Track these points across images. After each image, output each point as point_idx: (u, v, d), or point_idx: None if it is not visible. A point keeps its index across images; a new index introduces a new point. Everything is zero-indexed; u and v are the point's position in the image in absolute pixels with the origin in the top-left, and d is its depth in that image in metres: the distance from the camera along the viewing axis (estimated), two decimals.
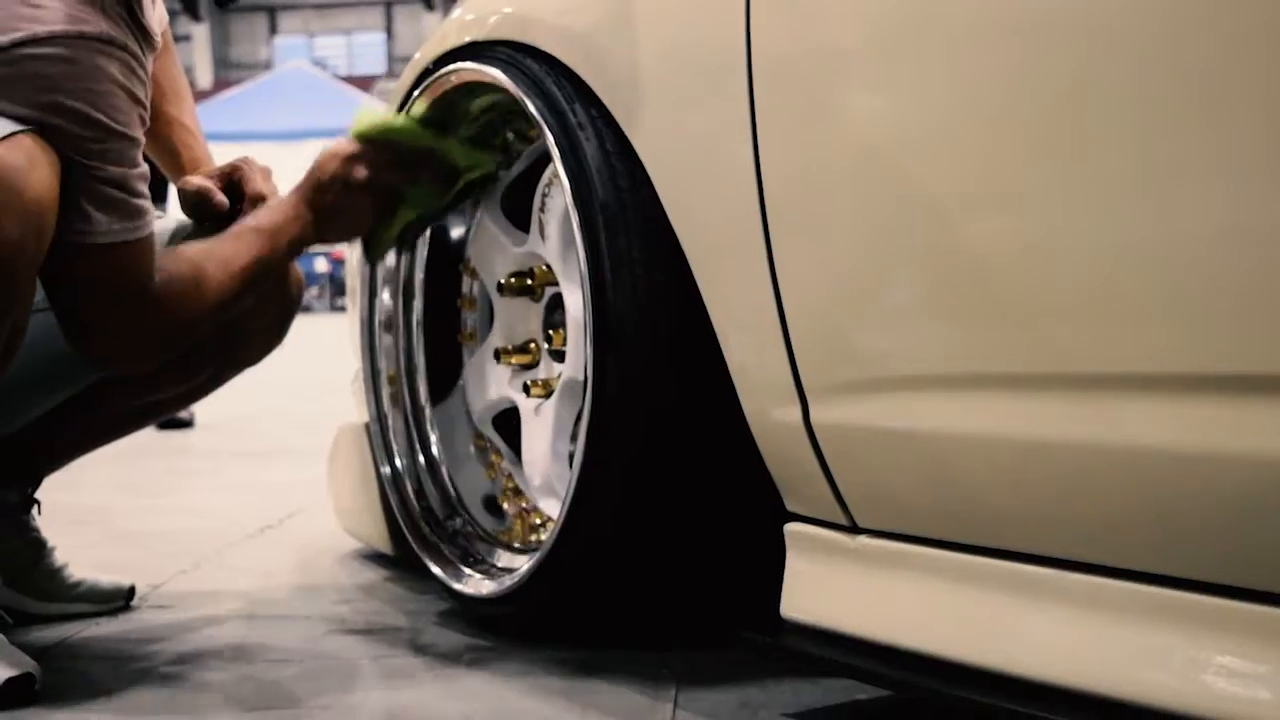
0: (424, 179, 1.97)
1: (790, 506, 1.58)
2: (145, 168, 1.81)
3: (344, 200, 1.96)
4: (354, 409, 2.47)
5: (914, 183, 1.35)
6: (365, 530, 2.42)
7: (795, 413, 1.50)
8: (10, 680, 1.67)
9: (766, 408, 1.55)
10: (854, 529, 1.50)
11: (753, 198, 1.49)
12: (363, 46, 36.19)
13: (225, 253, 1.89)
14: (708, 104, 1.56)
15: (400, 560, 2.34)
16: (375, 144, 1.95)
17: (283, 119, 17.90)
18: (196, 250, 1.89)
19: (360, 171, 1.95)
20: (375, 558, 2.48)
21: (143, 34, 1.84)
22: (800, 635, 1.54)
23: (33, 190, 1.66)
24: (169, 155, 2.13)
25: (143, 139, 1.80)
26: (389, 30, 35.60)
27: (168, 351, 1.92)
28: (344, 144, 1.97)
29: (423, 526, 2.08)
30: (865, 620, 1.47)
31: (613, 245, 1.67)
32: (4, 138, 1.66)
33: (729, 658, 1.78)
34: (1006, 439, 1.30)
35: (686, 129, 1.61)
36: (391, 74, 33.44)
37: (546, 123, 1.76)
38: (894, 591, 1.45)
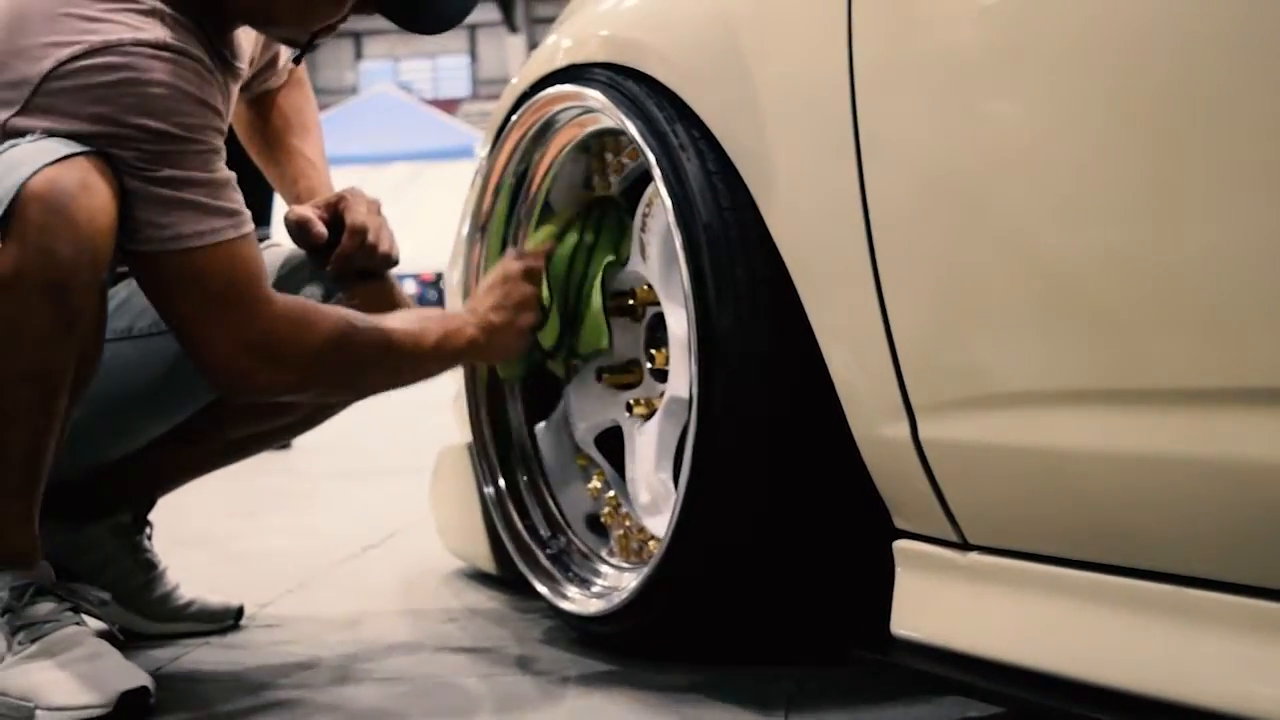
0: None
1: (899, 523, 1.58)
2: (225, 174, 1.81)
3: (509, 334, 2.00)
4: (455, 430, 2.49)
5: (1019, 197, 1.35)
6: (468, 550, 2.44)
7: (903, 429, 1.50)
8: (126, 694, 1.70)
9: (874, 425, 1.55)
10: (964, 545, 1.49)
11: (857, 215, 1.49)
12: (447, 70, 36.44)
13: (379, 331, 1.89)
14: (811, 123, 1.56)
15: (504, 580, 2.36)
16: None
17: (370, 142, 18.05)
18: (344, 313, 1.88)
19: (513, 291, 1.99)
20: (478, 577, 2.50)
21: (216, 54, 1.85)
22: (911, 652, 1.54)
23: (85, 212, 1.67)
24: (288, 184, 2.17)
25: (215, 145, 1.79)
26: (473, 53, 35.80)
27: (283, 381, 1.87)
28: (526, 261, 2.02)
29: (528, 545, 2.09)
30: (977, 637, 1.46)
31: (716, 264, 1.68)
32: (59, 160, 1.68)
33: (837, 675, 1.77)
34: (1119, 454, 1.30)
35: (790, 148, 1.61)
36: (476, 97, 33.69)
37: (648, 144, 1.77)
38: (1006, 608, 1.45)
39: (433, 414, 3.88)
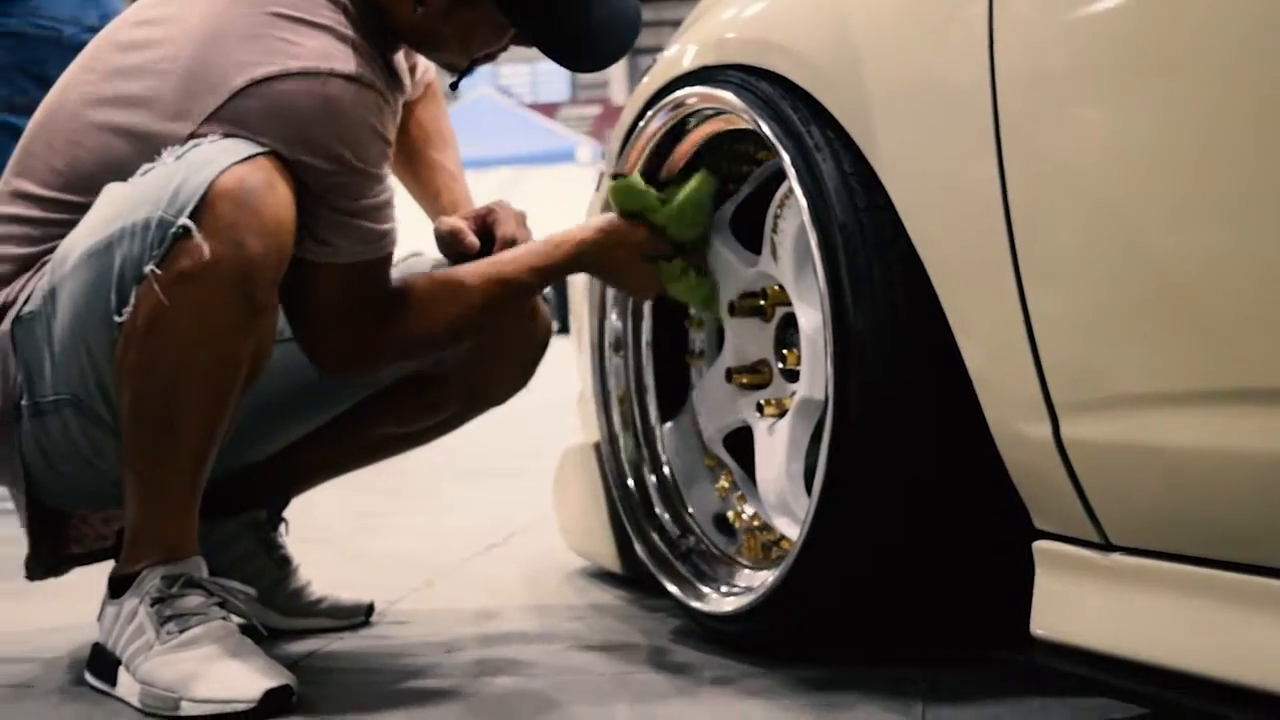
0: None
1: (1039, 524, 1.58)
2: (388, 195, 1.88)
3: (607, 259, 2.05)
4: (579, 429, 2.51)
5: (1163, 197, 1.34)
6: (593, 549, 2.46)
7: (1045, 429, 1.49)
8: (270, 692, 1.73)
9: (1014, 424, 1.55)
10: (1107, 546, 1.49)
11: (999, 214, 1.49)
12: (546, 74, 36.59)
13: (468, 290, 1.97)
14: (951, 123, 1.56)
15: (629, 579, 2.37)
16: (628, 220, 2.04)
17: (473, 147, 18.15)
18: (434, 278, 1.97)
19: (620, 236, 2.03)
20: (602, 576, 2.52)
21: (391, 76, 1.91)
22: (1051, 652, 1.53)
23: (271, 209, 1.74)
24: (430, 197, 2.21)
25: (386, 174, 1.87)
26: None
27: (388, 362, 2.02)
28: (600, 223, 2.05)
29: (657, 545, 2.11)
30: (1119, 637, 1.45)
31: (852, 264, 1.69)
32: (245, 159, 1.74)
33: (973, 675, 1.77)
34: (1264, 455, 1.29)
35: (929, 148, 1.61)
36: (574, 101, 33.80)
37: (782, 144, 1.78)
38: (1149, 608, 1.44)
39: (546, 415, 3.93)
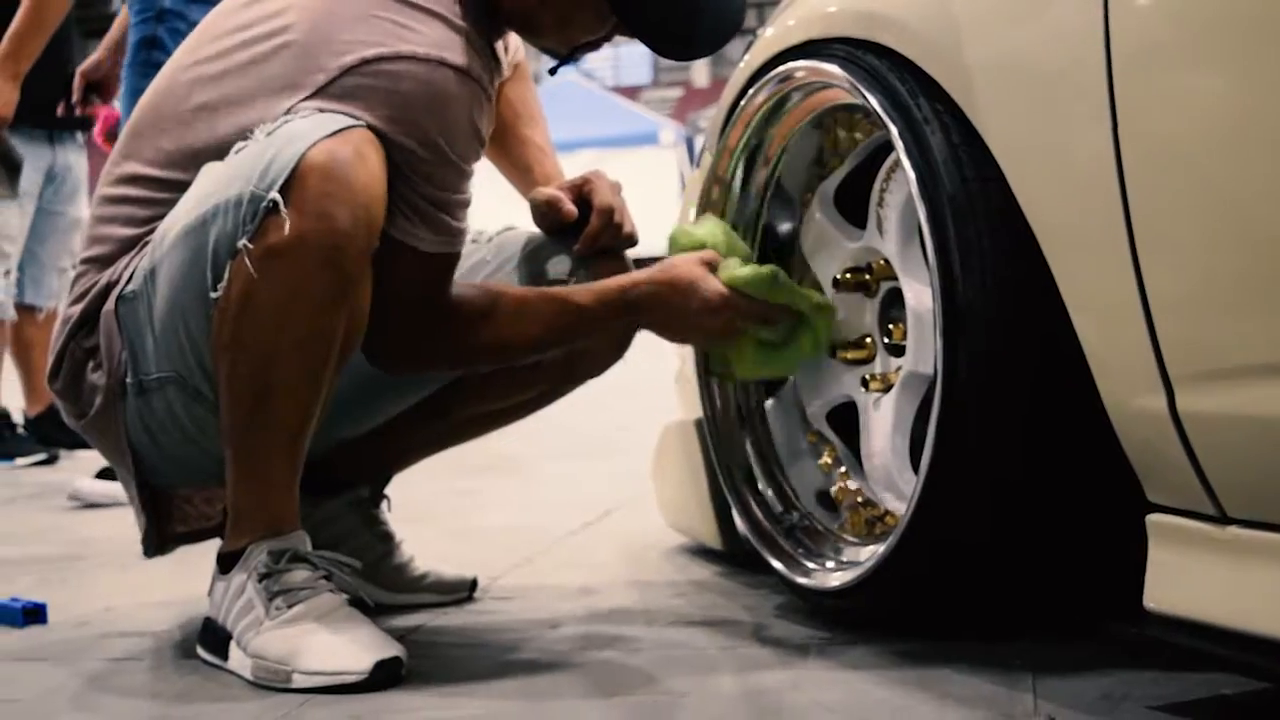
0: (775, 322, 2.00)
1: (1153, 497, 1.56)
2: (469, 195, 1.89)
3: (679, 315, 1.98)
4: (678, 407, 2.51)
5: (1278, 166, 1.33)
6: (693, 525, 2.46)
7: (1160, 401, 1.48)
8: (380, 663, 1.75)
9: (1128, 396, 1.53)
10: (1223, 519, 1.47)
11: (1113, 186, 1.48)
12: (628, 57, 36.57)
13: (531, 310, 1.97)
14: (1065, 94, 1.55)
15: (728, 555, 2.37)
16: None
17: (557, 130, 18.14)
18: (507, 294, 1.97)
19: (704, 294, 1.97)
20: (701, 552, 2.52)
21: (494, 63, 1.92)
22: (1165, 626, 1.52)
23: (361, 182, 1.75)
24: (522, 171, 2.22)
25: (472, 171, 1.89)
26: None
27: (437, 368, 2.04)
28: (701, 263, 2.00)
29: (760, 521, 2.10)
30: (1237, 610, 1.44)
31: (961, 237, 1.68)
32: (336, 132, 1.75)
33: (1081, 648, 1.76)
34: None
35: (1042, 120, 1.60)
36: (656, 84, 33.76)
37: (890, 117, 1.77)
38: (1267, 581, 1.42)
39: (634, 395, 3.93)
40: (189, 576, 2.28)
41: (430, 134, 1.81)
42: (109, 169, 1.99)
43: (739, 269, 1.96)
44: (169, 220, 1.84)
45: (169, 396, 1.87)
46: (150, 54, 3.47)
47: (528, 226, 2.16)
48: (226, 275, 1.76)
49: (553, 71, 2.11)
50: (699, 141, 18.29)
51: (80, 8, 4.24)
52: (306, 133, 1.75)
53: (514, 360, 2.04)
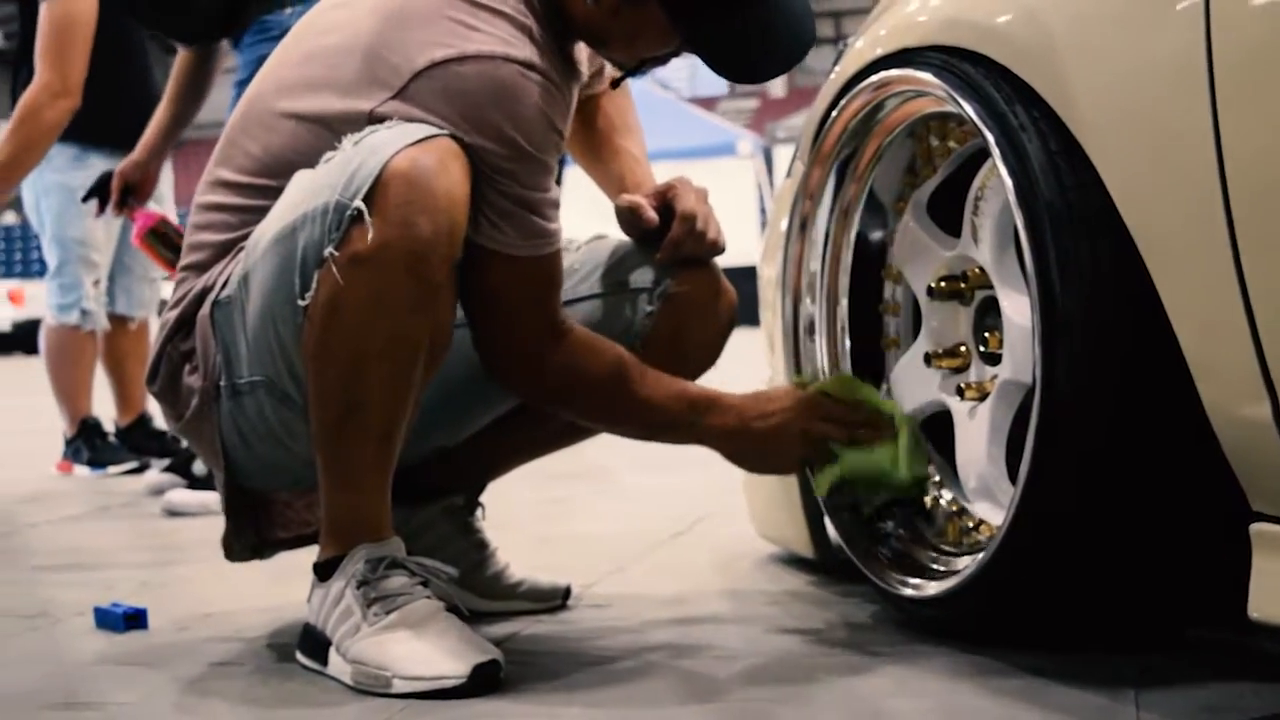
0: (863, 440, 2.00)
1: (1257, 506, 1.55)
2: (557, 193, 1.91)
3: (770, 440, 2.01)
4: None
5: None
6: (784, 535, 2.46)
7: (1264, 409, 1.47)
8: (479, 667, 1.77)
9: (1231, 404, 1.52)
10: None
11: (1216, 192, 1.47)
12: (705, 68, 36.58)
13: (640, 383, 1.98)
14: (1166, 100, 1.54)
15: (820, 564, 2.37)
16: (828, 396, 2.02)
17: None
18: (620, 355, 1.99)
19: (802, 418, 2.00)
20: (793, 562, 2.52)
21: (568, 67, 1.93)
22: (1270, 636, 1.51)
23: (444, 190, 1.77)
24: (614, 181, 2.23)
25: (553, 164, 1.89)
26: None
27: (530, 392, 2.03)
28: (794, 392, 2.04)
29: (855, 531, 2.10)
30: None
31: (1060, 245, 1.67)
32: (419, 140, 1.77)
33: (1183, 659, 1.75)
34: None
35: (1142, 126, 1.59)
36: (733, 94, 33.74)
37: (986, 125, 1.76)
38: None
39: None
40: (285, 583, 2.31)
41: (504, 129, 1.83)
42: (204, 178, 2.03)
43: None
44: (261, 227, 1.87)
45: (260, 399, 1.90)
46: None
47: (619, 236, 2.18)
48: (314, 283, 1.79)
49: (614, 84, 2.13)
50: (776, 153, 18.29)
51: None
52: (390, 142, 1.78)
53: (597, 425, 2.09)
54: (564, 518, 3.29)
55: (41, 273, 8.99)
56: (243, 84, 3.63)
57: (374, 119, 1.84)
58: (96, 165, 4.52)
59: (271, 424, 1.92)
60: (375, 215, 1.75)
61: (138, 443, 4.82)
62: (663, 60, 1.98)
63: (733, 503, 2.85)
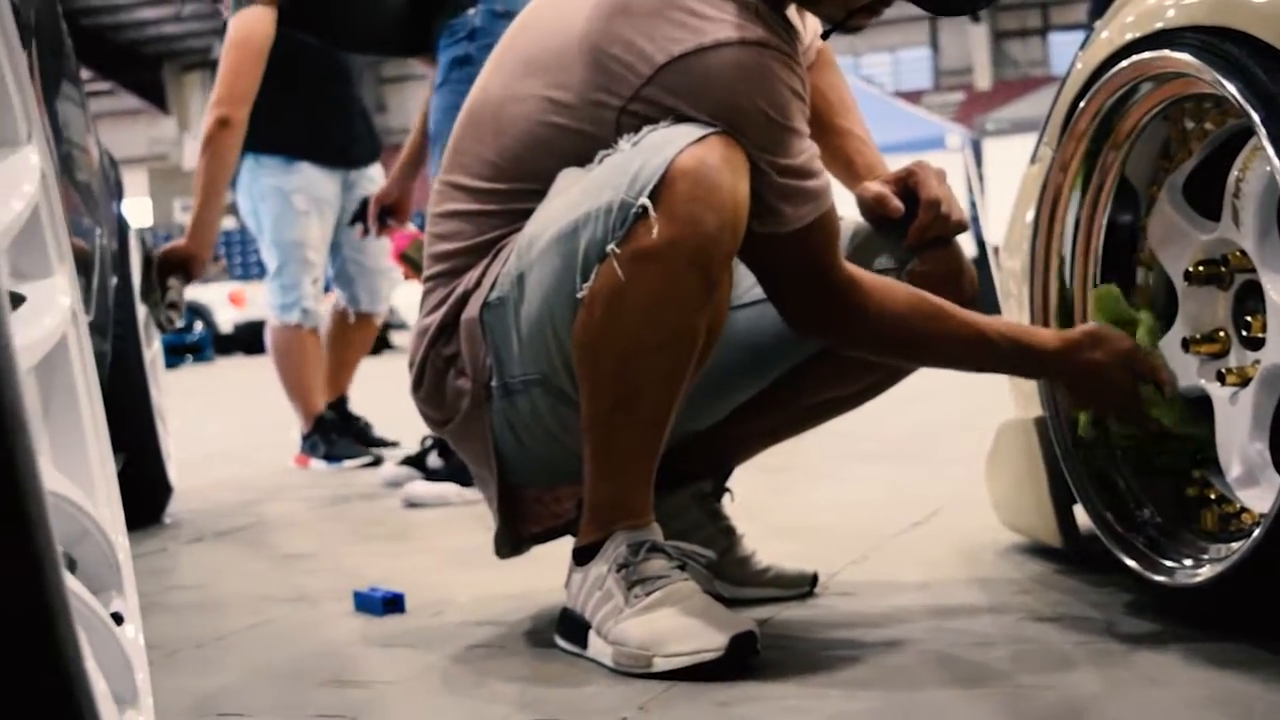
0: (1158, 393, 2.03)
1: None
2: (813, 149, 1.91)
3: (1096, 373, 2.02)
4: (1013, 405, 2.50)
5: None
6: (1030, 523, 2.44)
7: None
8: (736, 638, 1.79)
9: None
10: None
11: None
12: (908, 62, 36.24)
13: (948, 320, 1.99)
14: None
15: (1068, 553, 2.34)
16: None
17: None
18: (922, 297, 1.99)
19: (1119, 351, 2.02)
20: (1039, 551, 2.50)
21: (791, 33, 1.94)
22: None
23: (728, 186, 1.80)
24: (843, 164, 2.24)
25: (805, 129, 1.91)
26: (934, 44, 35.51)
27: (851, 333, 2.01)
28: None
29: (1109, 519, 2.08)
30: None
31: None
32: (699, 139, 1.80)
33: None
34: None
35: None
36: (937, 88, 33.37)
37: (1251, 105, 1.73)
38: None
39: (925, 403, 3.89)
40: (531, 571, 2.36)
41: (757, 110, 1.85)
42: (436, 188, 2.08)
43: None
44: (536, 227, 1.91)
45: (533, 397, 1.94)
46: (463, 70, 3.69)
47: (854, 216, 2.18)
48: (593, 277, 1.83)
49: (825, 36, 2.12)
50: (986, 146, 18.03)
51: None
52: (672, 140, 1.81)
53: (912, 361, 2.10)
54: (794, 507, 3.30)
55: (260, 275, 9.27)
56: (440, 87, 3.78)
57: (624, 115, 1.87)
58: (307, 171, 4.77)
59: (545, 420, 1.96)
60: (660, 212, 1.79)
61: (336, 425, 5.03)
62: (874, 9, 1.96)
63: (968, 494, 2.84)
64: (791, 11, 2.01)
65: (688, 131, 1.82)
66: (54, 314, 1.29)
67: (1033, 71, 32.61)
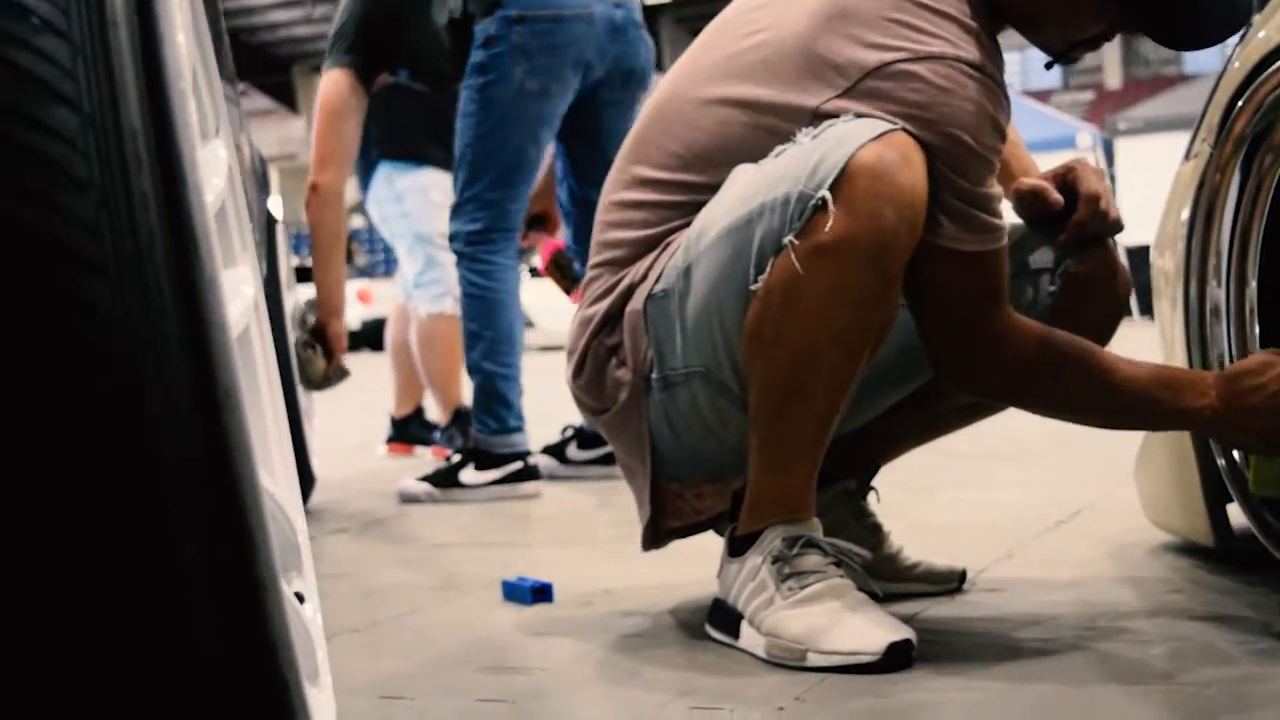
0: None
1: None
2: (998, 190, 1.91)
3: (1261, 416, 1.92)
4: None
5: None
6: (1181, 523, 2.42)
7: None
8: (894, 645, 1.80)
9: None
10: None
11: None
12: (1036, 61, 35.74)
13: (1099, 370, 1.93)
14: None
15: (1220, 553, 2.32)
16: None
17: None
18: (1075, 343, 1.95)
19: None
20: (1189, 550, 2.48)
21: (1001, 61, 1.93)
22: None
23: (907, 183, 1.80)
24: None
25: (997, 164, 1.91)
26: None
27: (991, 386, 2.00)
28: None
29: (1268, 519, 2.05)
30: None
31: None
32: (880, 135, 1.80)
33: None
34: None
35: None
36: (1067, 88, 32.98)
37: None
38: None
39: None
40: (674, 564, 2.38)
41: (955, 130, 1.85)
42: (614, 176, 2.09)
43: None
44: (706, 220, 1.93)
45: (694, 390, 1.96)
46: (479, 77, 3.91)
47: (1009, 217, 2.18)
48: (768, 270, 1.84)
49: (1048, 66, 2.12)
50: (1118, 145, 17.79)
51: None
52: (854, 135, 1.81)
53: (1057, 416, 2.03)
54: (936, 506, 3.28)
55: (387, 272, 9.34)
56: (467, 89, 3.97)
57: (820, 115, 1.88)
58: (433, 172, 4.98)
59: (704, 413, 1.98)
60: (840, 206, 1.79)
61: (414, 433, 5.23)
62: (1094, 43, 1.97)
63: (1112, 494, 2.82)
64: None
65: (869, 126, 1.82)
66: (239, 303, 1.33)
67: (1165, 70, 32.11)
